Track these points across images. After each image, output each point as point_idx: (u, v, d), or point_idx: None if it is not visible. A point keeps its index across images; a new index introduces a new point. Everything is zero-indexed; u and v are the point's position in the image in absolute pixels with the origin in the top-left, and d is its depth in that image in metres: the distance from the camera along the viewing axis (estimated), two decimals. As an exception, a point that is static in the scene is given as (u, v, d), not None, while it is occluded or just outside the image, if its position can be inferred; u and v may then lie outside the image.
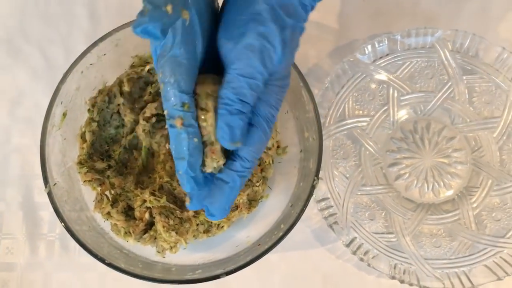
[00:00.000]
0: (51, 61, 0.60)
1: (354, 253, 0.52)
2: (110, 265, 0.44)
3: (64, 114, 0.49)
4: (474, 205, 0.55)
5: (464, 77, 0.56)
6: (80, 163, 0.50)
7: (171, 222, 0.48)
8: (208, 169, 0.37)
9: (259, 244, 0.48)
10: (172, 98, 0.34)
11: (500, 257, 0.52)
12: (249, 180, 0.51)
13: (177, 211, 0.49)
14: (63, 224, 0.45)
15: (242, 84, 0.35)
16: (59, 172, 0.48)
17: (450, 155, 0.56)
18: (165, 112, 0.35)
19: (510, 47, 0.56)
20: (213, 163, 0.36)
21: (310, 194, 0.46)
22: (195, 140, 0.35)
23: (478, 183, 0.55)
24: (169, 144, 0.53)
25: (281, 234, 0.45)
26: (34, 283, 0.55)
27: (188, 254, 0.51)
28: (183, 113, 0.34)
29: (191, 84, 0.35)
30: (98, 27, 0.61)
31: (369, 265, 0.51)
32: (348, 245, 0.52)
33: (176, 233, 0.48)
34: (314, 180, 0.46)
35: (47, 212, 0.56)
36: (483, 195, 0.55)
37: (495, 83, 0.56)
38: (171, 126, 0.35)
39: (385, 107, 0.57)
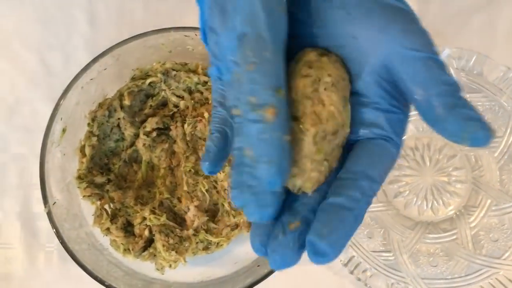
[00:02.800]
0: (50, 67, 0.59)
1: (352, 272, 0.52)
2: (109, 287, 0.44)
3: (64, 130, 0.49)
4: (472, 224, 0.55)
5: (468, 95, 0.56)
6: (80, 177, 0.50)
7: (171, 241, 0.48)
8: (305, 188, 0.27)
9: (259, 265, 0.48)
10: (260, 78, 0.25)
11: (496, 278, 0.52)
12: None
13: (177, 229, 0.49)
14: (63, 245, 0.45)
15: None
16: (58, 189, 0.48)
17: (450, 173, 0.56)
18: (235, 104, 0.26)
19: (515, 65, 0.56)
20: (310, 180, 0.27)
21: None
22: (288, 138, 0.26)
23: (477, 202, 0.55)
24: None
25: (281, 258, 0.45)
26: (32, 292, 0.55)
27: (186, 269, 0.51)
28: (277, 100, 0.25)
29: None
30: (98, 32, 0.59)
31: (366, 284, 0.52)
32: (346, 264, 0.52)
33: (176, 252, 0.48)
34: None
35: (45, 223, 0.55)
36: (481, 215, 0.55)
37: (498, 102, 0.55)
38: (253, 121, 0.25)
39: (387, 124, 0.57)
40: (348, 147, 0.29)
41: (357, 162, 0.28)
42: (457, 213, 0.56)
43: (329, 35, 0.29)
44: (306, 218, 0.27)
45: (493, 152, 0.56)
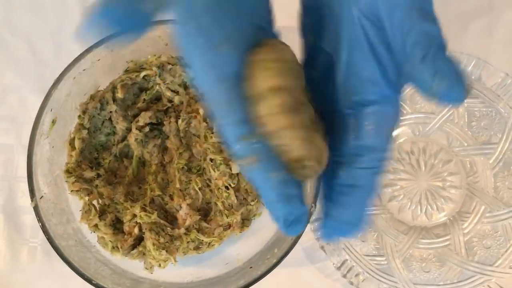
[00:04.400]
0: (39, 56, 0.57)
1: (344, 276, 0.51)
2: (96, 285, 0.43)
3: (54, 121, 0.47)
4: (466, 230, 0.54)
5: (465, 101, 0.56)
6: (68, 171, 0.48)
7: (161, 239, 0.47)
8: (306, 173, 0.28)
9: (251, 267, 0.47)
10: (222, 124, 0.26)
11: (488, 285, 0.52)
12: (244, 198, 0.49)
13: (168, 228, 0.48)
14: (49, 241, 0.43)
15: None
16: (46, 182, 0.46)
17: (445, 178, 0.56)
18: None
19: (513, 72, 0.55)
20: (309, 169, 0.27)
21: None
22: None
23: (471, 208, 0.55)
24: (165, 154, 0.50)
25: (275, 260, 0.44)
26: (14, 289, 0.53)
27: (176, 269, 0.49)
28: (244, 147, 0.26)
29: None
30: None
31: (358, 288, 0.51)
32: (338, 268, 0.52)
33: (166, 251, 0.47)
34: (312, 206, 0.45)
35: (30, 216, 0.54)
36: (475, 221, 0.55)
37: (495, 108, 0.55)
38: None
39: (384, 126, 0.56)
40: (346, 119, 0.29)
41: (358, 136, 0.28)
42: (451, 218, 0.55)
43: None
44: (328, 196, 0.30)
45: (488, 159, 0.55)
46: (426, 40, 0.26)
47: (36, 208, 0.43)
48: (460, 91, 0.25)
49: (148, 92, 0.51)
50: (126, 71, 0.50)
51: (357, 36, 0.28)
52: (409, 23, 0.26)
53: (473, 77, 0.55)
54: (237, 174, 0.48)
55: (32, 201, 0.43)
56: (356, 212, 0.28)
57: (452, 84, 0.25)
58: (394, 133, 0.56)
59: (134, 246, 0.48)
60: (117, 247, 0.47)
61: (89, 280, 0.42)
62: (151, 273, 0.48)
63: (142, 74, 0.50)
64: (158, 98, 0.52)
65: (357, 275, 0.52)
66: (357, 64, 0.28)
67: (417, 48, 0.26)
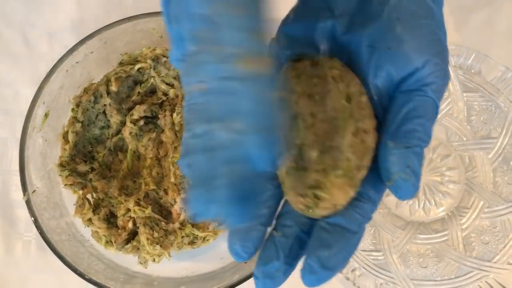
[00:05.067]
0: (34, 48, 0.56)
1: (341, 271, 0.51)
2: (90, 280, 0.42)
3: (46, 115, 0.46)
4: (464, 226, 0.54)
5: (464, 94, 0.55)
6: (62, 165, 0.48)
7: (155, 234, 0.47)
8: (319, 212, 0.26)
9: (246, 262, 0.46)
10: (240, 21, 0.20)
11: (486, 281, 0.51)
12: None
13: (162, 223, 0.48)
14: (41, 235, 0.42)
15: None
16: (38, 176, 0.46)
17: (443, 173, 0.55)
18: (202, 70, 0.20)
19: (513, 65, 0.54)
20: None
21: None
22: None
23: (469, 204, 0.54)
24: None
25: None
26: (9, 283, 0.53)
27: (171, 263, 0.49)
28: (259, 46, 0.20)
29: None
30: (86, 13, 0.57)
31: (354, 284, 0.51)
32: (335, 263, 0.51)
33: (161, 246, 0.46)
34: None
35: (25, 210, 0.53)
36: (473, 217, 0.54)
37: (495, 103, 0.54)
38: (235, 78, 0.20)
39: (382, 120, 0.55)
40: None
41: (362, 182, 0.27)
42: (449, 214, 0.55)
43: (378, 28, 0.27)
44: (299, 238, 0.27)
45: (488, 153, 0.55)
46: (422, 135, 0.26)
47: (28, 202, 0.43)
48: (412, 192, 0.25)
49: (142, 85, 0.50)
50: (120, 63, 0.50)
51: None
52: (420, 112, 0.26)
53: (473, 71, 0.54)
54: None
55: (24, 195, 0.43)
56: (343, 260, 0.26)
57: (412, 182, 0.25)
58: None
59: (128, 241, 0.48)
60: (111, 241, 0.47)
61: (81, 275, 0.42)
62: (145, 268, 0.48)
63: (137, 67, 0.49)
64: (153, 91, 0.51)
65: (353, 270, 0.51)
66: None
67: (411, 136, 0.26)
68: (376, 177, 0.27)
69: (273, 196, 0.27)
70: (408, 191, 0.25)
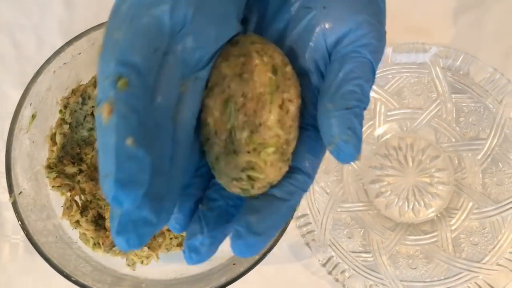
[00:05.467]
0: (21, 50, 0.56)
1: (330, 273, 0.51)
2: (76, 282, 0.42)
3: (33, 116, 0.46)
4: (453, 227, 0.54)
5: (453, 96, 0.55)
6: (49, 167, 0.48)
7: (143, 236, 0.46)
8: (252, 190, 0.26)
9: (234, 263, 0.46)
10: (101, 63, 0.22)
11: (475, 282, 0.51)
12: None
13: (150, 224, 0.47)
14: (27, 237, 0.42)
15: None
16: (25, 178, 0.45)
17: (432, 174, 0.55)
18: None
19: (502, 66, 0.55)
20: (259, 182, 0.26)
21: (291, 216, 0.44)
22: (129, 142, 0.21)
23: (458, 205, 0.55)
24: None
25: (257, 257, 0.44)
26: (-5, 286, 0.52)
27: (159, 265, 0.49)
28: (116, 93, 0.21)
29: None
30: (74, 15, 0.57)
31: (344, 286, 0.51)
32: (324, 265, 0.51)
33: (149, 248, 0.46)
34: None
35: (12, 213, 0.52)
36: (462, 218, 0.54)
37: (483, 104, 0.55)
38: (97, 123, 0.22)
39: (371, 122, 0.55)
40: None
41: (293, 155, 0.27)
42: (438, 215, 0.55)
43: None
44: (225, 211, 0.26)
45: (477, 155, 0.55)
46: (361, 96, 0.26)
47: (14, 204, 0.43)
48: (354, 154, 0.25)
49: (131, 86, 0.50)
50: (109, 65, 0.50)
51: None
52: (358, 73, 0.26)
53: (461, 72, 0.55)
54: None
55: (10, 196, 0.43)
56: (273, 228, 0.25)
57: (354, 144, 0.25)
58: (381, 129, 0.55)
59: (116, 243, 0.47)
60: (99, 243, 0.47)
61: (68, 277, 0.42)
62: (134, 270, 0.47)
63: (125, 68, 0.49)
64: (141, 93, 0.51)
65: (343, 272, 0.51)
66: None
67: (350, 97, 0.26)
68: (307, 148, 0.27)
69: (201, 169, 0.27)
70: (350, 153, 0.25)
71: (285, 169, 0.26)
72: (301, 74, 0.28)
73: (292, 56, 0.28)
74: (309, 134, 0.27)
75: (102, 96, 0.21)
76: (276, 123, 0.25)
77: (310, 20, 0.27)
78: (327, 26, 0.27)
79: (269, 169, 0.25)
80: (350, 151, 0.25)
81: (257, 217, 0.25)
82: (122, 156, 0.20)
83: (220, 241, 0.26)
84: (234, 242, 0.24)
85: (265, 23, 0.29)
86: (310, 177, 0.27)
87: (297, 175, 0.26)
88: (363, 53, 0.27)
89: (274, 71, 0.26)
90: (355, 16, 0.27)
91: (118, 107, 0.20)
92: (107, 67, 0.21)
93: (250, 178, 0.25)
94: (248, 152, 0.25)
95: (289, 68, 0.27)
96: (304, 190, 0.27)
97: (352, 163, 0.55)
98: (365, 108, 0.26)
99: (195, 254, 0.25)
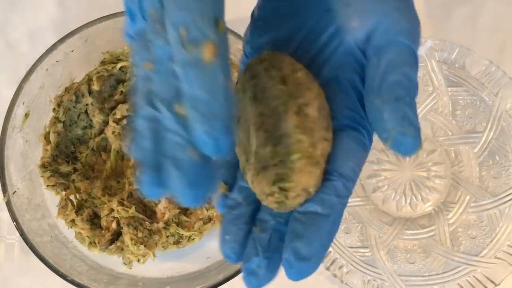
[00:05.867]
0: (14, 48, 0.55)
1: (328, 268, 0.51)
2: (72, 282, 0.42)
3: (27, 115, 0.46)
4: (451, 221, 0.54)
5: (449, 89, 0.55)
6: (43, 166, 0.47)
7: (139, 234, 0.46)
8: (291, 204, 0.25)
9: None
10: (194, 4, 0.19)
11: (474, 276, 0.51)
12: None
13: (147, 222, 0.47)
14: (22, 236, 0.42)
15: None
16: (19, 177, 0.45)
17: (429, 168, 0.55)
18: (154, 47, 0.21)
19: (497, 59, 0.54)
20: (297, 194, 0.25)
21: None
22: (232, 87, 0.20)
23: (455, 198, 0.54)
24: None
25: (255, 254, 0.43)
26: (-9, 287, 0.52)
27: (156, 264, 0.49)
28: (217, 35, 0.20)
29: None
30: (67, 14, 0.56)
31: (342, 281, 0.50)
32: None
33: (145, 246, 0.46)
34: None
35: (7, 213, 0.52)
36: (460, 211, 0.54)
37: (479, 97, 0.54)
38: (184, 63, 0.20)
39: (367, 116, 0.55)
40: None
41: (329, 159, 0.26)
42: (436, 209, 0.54)
43: None
44: (277, 230, 0.26)
45: (473, 148, 0.55)
46: (408, 83, 0.25)
47: (8, 204, 0.42)
48: (415, 144, 0.24)
49: (125, 84, 0.50)
50: (102, 62, 0.49)
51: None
52: (399, 61, 0.25)
53: (457, 65, 0.54)
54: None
55: (4, 196, 0.42)
56: (322, 248, 0.24)
57: (412, 134, 0.23)
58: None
59: (112, 241, 0.47)
60: (95, 242, 0.47)
61: (63, 276, 0.41)
62: (130, 269, 0.47)
63: (119, 65, 0.49)
64: (135, 90, 0.50)
65: (340, 267, 0.51)
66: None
67: (397, 87, 0.24)
68: (345, 149, 0.26)
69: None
70: (410, 144, 0.23)
71: (317, 172, 0.25)
72: (330, 78, 0.27)
73: (319, 61, 0.27)
74: (345, 135, 0.26)
75: (197, 34, 0.19)
76: (295, 129, 0.24)
77: (332, 21, 0.26)
78: (353, 24, 0.26)
79: (299, 175, 0.24)
80: (410, 142, 0.23)
81: (302, 243, 0.24)
82: (230, 99, 0.20)
83: (278, 262, 0.25)
84: (287, 271, 0.24)
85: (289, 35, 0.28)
86: (350, 179, 0.25)
87: (335, 182, 0.25)
88: (399, 40, 0.25)
89: (283, 81, 0.25)
90: (380, 6, 0.26)
91: (220, 50, 0.20)
92: (201, 2, 0.19)
93: (282, 189, 0.25)
94: (275, 165, 0.25)
95: (301, 73, 0.26)
96: (345, 196, 0.25)
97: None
98: (415, 95, 0.25)
99: (253, 278, 0.25)
